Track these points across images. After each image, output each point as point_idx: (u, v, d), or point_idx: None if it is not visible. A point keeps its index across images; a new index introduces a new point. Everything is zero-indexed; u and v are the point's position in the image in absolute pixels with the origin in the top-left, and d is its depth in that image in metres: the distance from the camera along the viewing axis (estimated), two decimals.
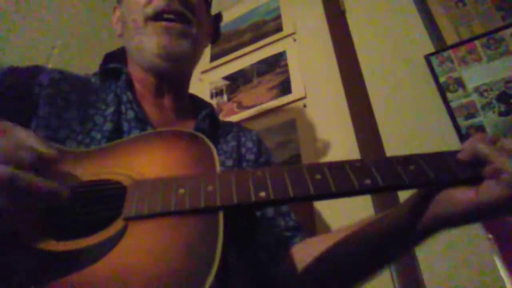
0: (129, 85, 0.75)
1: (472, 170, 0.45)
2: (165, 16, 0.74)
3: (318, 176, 0.46)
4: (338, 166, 0.47)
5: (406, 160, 0.47)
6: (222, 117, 1.62)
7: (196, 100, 0.89)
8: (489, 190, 0.43)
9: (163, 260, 0.40)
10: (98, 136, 0.65)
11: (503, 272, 0.89)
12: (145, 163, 0.53)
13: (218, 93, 1.72)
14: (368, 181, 0.45)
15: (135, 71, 0.79)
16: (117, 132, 0.67)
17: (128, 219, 0.45)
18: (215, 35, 0.94)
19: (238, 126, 0.90)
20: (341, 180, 0.45)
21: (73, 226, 0.46)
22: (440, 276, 0.95)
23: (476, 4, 1.28)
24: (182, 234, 0.43)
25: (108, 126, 0.67)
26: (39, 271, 0.41)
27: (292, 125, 1.42)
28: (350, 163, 0.48)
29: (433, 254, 0.97)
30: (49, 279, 0.39)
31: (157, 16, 0.73)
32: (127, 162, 0.54)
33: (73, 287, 0.38)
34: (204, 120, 0.80)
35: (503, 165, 0.42)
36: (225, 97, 1.69)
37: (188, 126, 0.79)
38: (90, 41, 1.51)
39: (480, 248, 0.93)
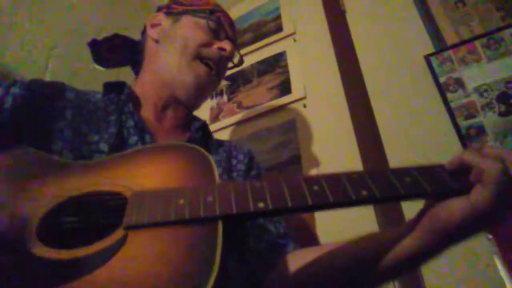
0: (131, 97, 0.81)
1: (463, 180, 0.47)
2: (210, 63, 0.84)
3: (316, 188, 0.47)
4: (335, 178, 0.48)
5: (402, 172, 0.48)
6: (222, 117, 1.62)
7: (192, 116, 0.93)
8: (478, 193, 0.44)
9: (162, 267, 0.40)
10: (106, 136, 0.71)
11: (503, 272, 0.89)
12: (145, 175, 0.54)
13: (218, 93, 1.72)
14: (364, 192, 0.46)
15: (148, 82, 0.85)
16: (119, 136, 0.72)
17: (129, 228, 0.45)
18: None
19: (230, 143, 0.95)
20: (338, 191, 0.46)
21: (74, 235, 0.47)
22: (440, 276, 0.95)
23: (476, 4, 1.28)
24: (182, 243, 0.43)
25: (112, 129, 0.72)
26: (39, 279, 0.42)
27: (292, 125, 1.42)
28: (347, 174, 0.48)
29: None
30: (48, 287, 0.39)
31: (204, 59, 0.83)
32: (127, 174, 0.55)
33: None
34: (197, 131, 0.85)
35: (483, 165, 0.44)
36: (225, 97, 1.69)
37: (184, 137, 0.84)
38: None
39: (480, 248, 0.93)
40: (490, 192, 0.43)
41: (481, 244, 0.93)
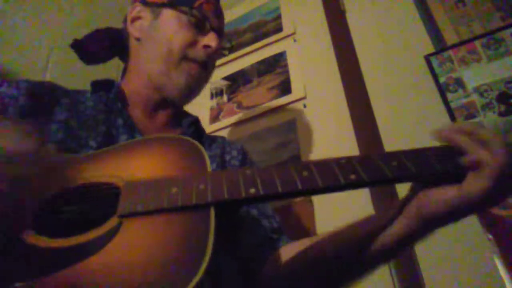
0: (120, 96, 0.80)
1: (450, 164, 0.47)
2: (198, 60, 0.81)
3: (305, 173, 0.48)
4: (324, 163, 0.49)
5: (389, 156, 0.49)
6: (222, 117, 1.62)
7: (183, 112, 0.93)
8: (471, 184, 0.43)
9: (155, 253, 0.41)
10: (95, 134, 0.70)
11: (503, 272, 0.89)
12: (137, 166, 0.55)
13: (218, 93, 1.72)
14: (353, 176, 0.47)
15: (136, 83, 0.83)
16: (109, 135, 0.72)
17: (123, 216, 0.46)
18: None
19: (224, 138, 0.94)
20: (327, 176, 0.47)
21: (69, 226, 0.47)
22: (440, 276, 0.95)
23: (476, 4, 1.28)
24: (175, 229, 0.44)
25: (101, 128, 0.72)
26: (34, 267, 0.42)
27: (292, 126, 1.42)
28: (335, 160, 0.49)
29: (433, 254, 0.97)
30: (43, 275, 0.40)
31: (191, 59, 0.81)
32: (119, 165, 0.56)
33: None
34: (189, 127, 0.84)
35: (483, 157, 0.43)
36: (225, 97, 1.69)
37: (175, 133, 0.83)
38: None
39: (480, 248, 0.93)
40: (487, 186, 0.42)
41: (481, 244, 0.94)
